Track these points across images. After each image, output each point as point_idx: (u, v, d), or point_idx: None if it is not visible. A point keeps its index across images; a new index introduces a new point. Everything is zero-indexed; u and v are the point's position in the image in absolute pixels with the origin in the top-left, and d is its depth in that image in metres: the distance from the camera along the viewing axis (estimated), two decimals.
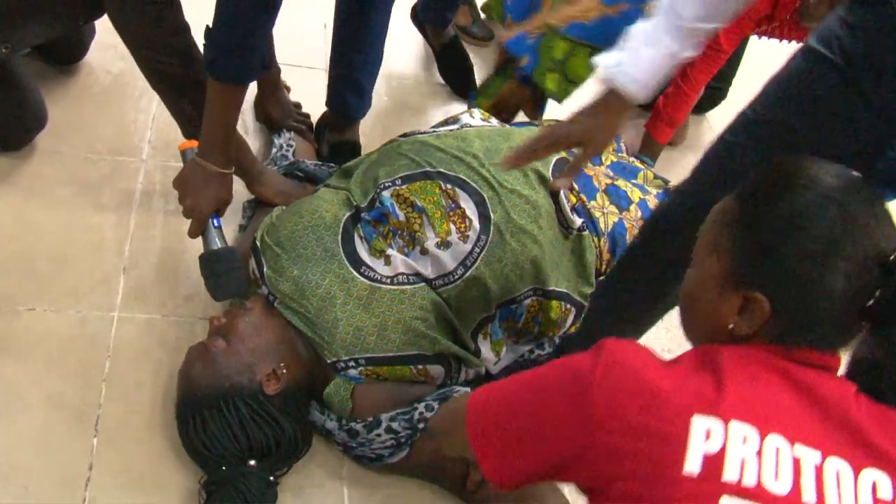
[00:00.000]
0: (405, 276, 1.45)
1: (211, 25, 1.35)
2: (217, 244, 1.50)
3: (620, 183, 1.77)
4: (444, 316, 1.46)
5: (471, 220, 1.45)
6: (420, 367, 1.44)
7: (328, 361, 1.41)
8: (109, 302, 1.57)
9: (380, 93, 2.12)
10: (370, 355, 1.40)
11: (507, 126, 1.71)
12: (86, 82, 1.98)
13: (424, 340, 1.43)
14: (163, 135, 1.91)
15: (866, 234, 0.84)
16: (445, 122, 1.75)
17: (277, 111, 1.93)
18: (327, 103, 1.93)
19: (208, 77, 1.39)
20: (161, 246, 1.70)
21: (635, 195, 1.76)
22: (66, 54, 1.99)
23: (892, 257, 0.84)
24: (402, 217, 1.47)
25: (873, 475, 0.80)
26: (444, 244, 1.45)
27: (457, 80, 2.28)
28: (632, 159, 1.97)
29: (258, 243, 1.51)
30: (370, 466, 1.44)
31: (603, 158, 1.82)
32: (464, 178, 1.49)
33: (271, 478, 1.34)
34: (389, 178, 1.51)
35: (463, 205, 1.46)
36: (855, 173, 0.90)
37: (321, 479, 1.44)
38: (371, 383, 1.42)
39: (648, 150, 2.13)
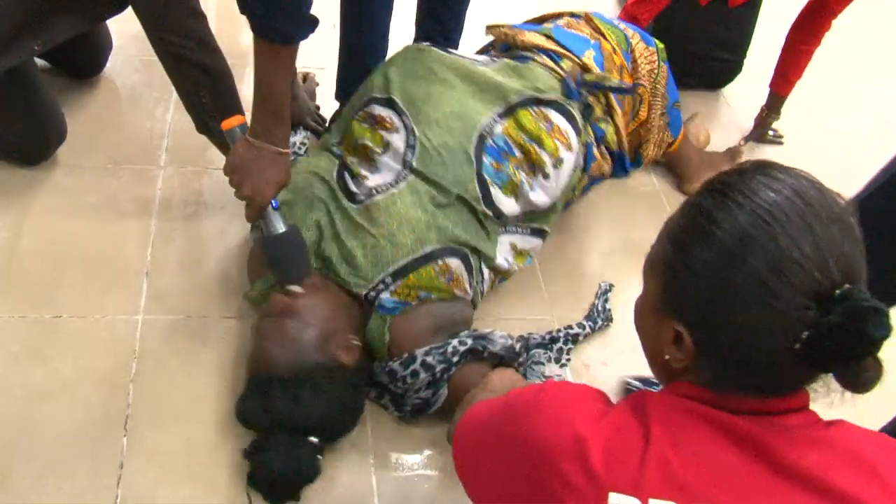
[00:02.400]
0: (385, 185, 1.52)
1: None
2: (280, 227, 1.43)
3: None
4: (439, 197, 1.51)
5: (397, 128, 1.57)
6: (441, 262, 1.47)
7: (363, 294, 1.46)
8: (134, 306, 1.61)
9: None
10: (392, 268, 1.45)
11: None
12: (103, 95, 2.03)
13: (432, 232, 1.48)
14: (179, 142, 1.95)
15: (800, 264, 0.72)
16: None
17: (296, 108, 1.96)
18: (337, 96, 1.95)
19: (258, 41, 1.30)
20: (182, 249, 1.73)
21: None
22: (84, 68, 2.04)
23: (837, 292, 0.71)
24: (362, 139, 1.59)
25: None
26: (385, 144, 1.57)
27: None
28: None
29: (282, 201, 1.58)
30: (424, 416, 1.48)
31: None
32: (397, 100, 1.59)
33: (319, 456, 1.38)
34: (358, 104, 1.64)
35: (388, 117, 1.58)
36: (813, 181, 0.78)
37: (349, 468, 1.46)
38: (405, 315, 1.46)
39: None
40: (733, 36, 2.26)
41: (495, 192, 1.55)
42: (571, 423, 0.77)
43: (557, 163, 1.58)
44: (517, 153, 1.56)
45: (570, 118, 1.61)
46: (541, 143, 1.57)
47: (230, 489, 1.39)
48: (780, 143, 2.34)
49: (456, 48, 2.04)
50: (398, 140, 1.56)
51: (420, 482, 1.46)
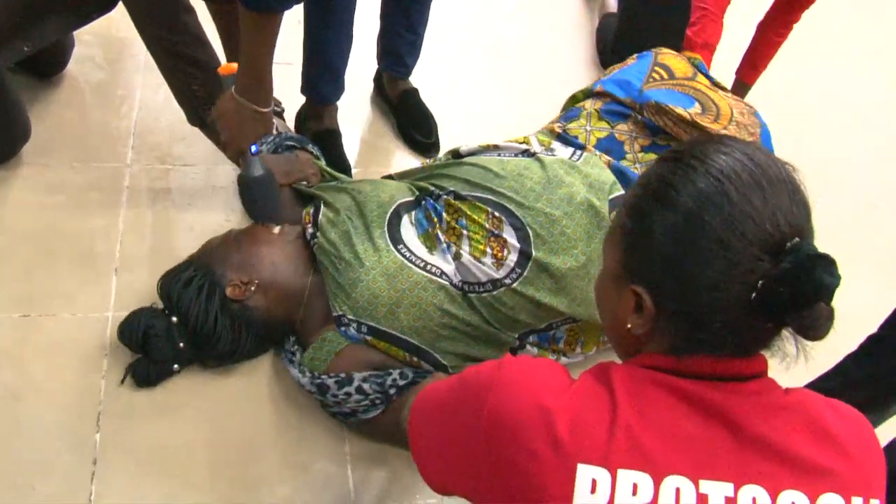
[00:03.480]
0: (438, 270, 1.47)
1: None
2: (257, 170, 1.55)
3: None
4: (466, 321, 1.47)
5: (509, 251, 1.45)
6: (416, 358, 1.46)
7: (335, 313, 1.45)
8: (104, 303, 1.60)
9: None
10: (375, 325, 1.44)
11: (574, 160, 1.59)
12: (67, 93, 2.01)
13: (431, 335, 1.45)
14: (146, 140, 1.94)
15: (752, 218, 0.75)
16: (515, 141, 1.70)
17: None
18: (302, 90, 1.95)
19: (244, 12, 1.36)
20: (151, 246, 1.72)
21: None
22: (47, 67, 2.01)
23: (788, 244, 0.75)
24: (445, 226, 1.50)
25: (791, 497, 0.75)
26: (478, 260, 1.46)
27: (418, 132, 2.12)
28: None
29: (323, 194, 1.61)
30: (345, 423, 1.48)
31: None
32: (513, 209, 1.47)
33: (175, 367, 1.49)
34: (446, 188, 1.54)
35: (505, 235, 1.46)
36: (761, 148, 0.82)
37: (326, 456, 1.47)
38: (361, 347, 1.45)
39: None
40: None
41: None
42: (536, 396, 0.79)
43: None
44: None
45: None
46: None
47: (205, 483, 1.39)
48: None
49: (421, 42, 2.05)
50: (492, 267, 1.46)
51: (396, 469, 1.47)
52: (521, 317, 1.48)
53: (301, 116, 2.00)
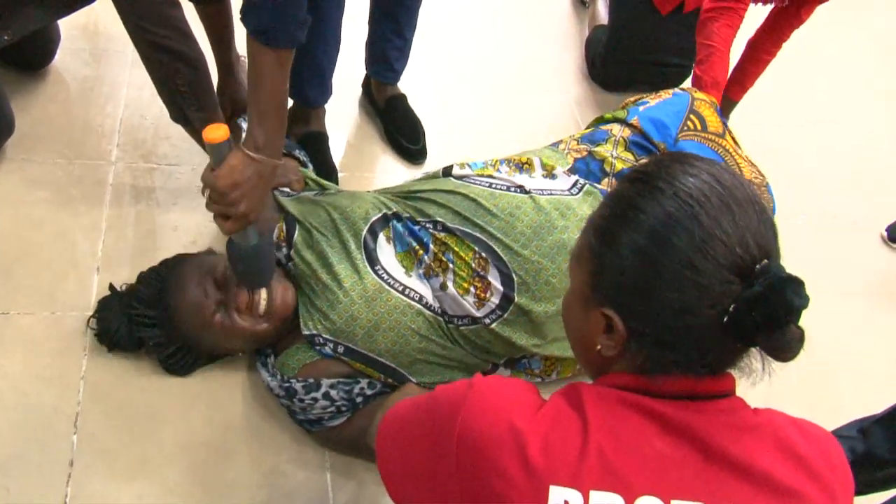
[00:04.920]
0: (417, 294, 1.45)
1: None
2: (253, 238, 1.36)
3: None
4: (443, 347, 1.46)
5: (492, 294, 1.43)
6: (390, 379, 1.46)
7: (306, 332, 1.44)
8: (84, 302, 1.59)
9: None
10: (352, 346, 1.42)
11: (568, 196, 1.54)
12: (52, 88, 1.99)
13: (407, 359, 1.44)
14: (131, 137, 1.92)
15: (722, 241, 0.76)
16: (509, 164, 1.62)
17: (241, 93, 1.94)
18: (289, 93, 1.93)
19: (263, 52, 1.26)
20: (133, 245, 1.71)
21: None
22: (33, 60, 1.99)
23: (757, 266, 0.76)
24: (431, 256, 1.48)
25: None
26: (461, 297, 1.44)
27: (405, 138, 2.11)
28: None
29: (296, 214, 1.54)
30: (310, 431, 1.47)
31: None
32: (500, 253, 1.43)
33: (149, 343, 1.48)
34: (432, 218, 1.49)
35: (490, 278, 1.43)
36: (726, 167, 0.83)
37: (304, 461, 1.46)
38: (333, 361, 1.44)
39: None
40: (686, 42, 2.32)
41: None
42: (507, 416, 0.78)
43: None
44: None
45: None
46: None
47: (182, 488, 1.38)
48: None
49: (409, 47, 2.05)
50: (473, 306, 1.44)
51: (375, 476, 1.47)
52: (495, 349, 1.49)
53: (287, 119, 1.99)
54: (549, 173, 1.59)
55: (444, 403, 0.84)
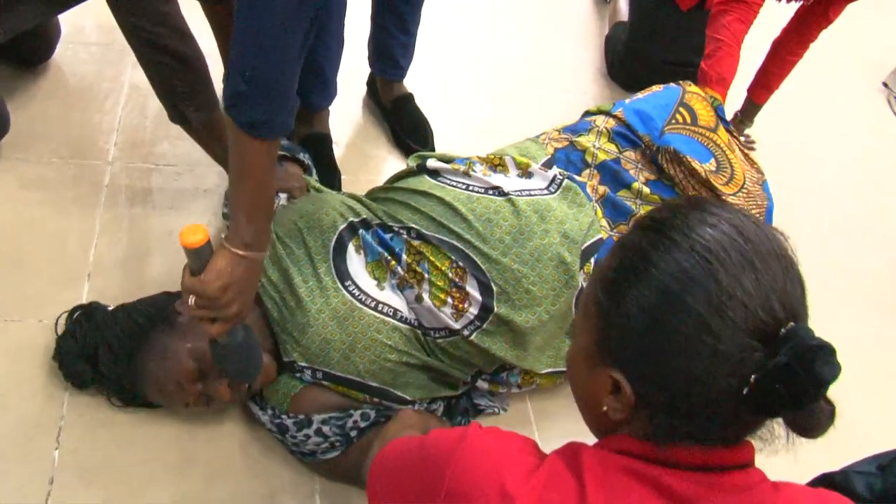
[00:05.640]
0: (390, 309, 1.38)
1: (244, 88, 1.07)
2: (238, 333, 1.21)
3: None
4: (422, 360, 1.40)
5: (470, 304, 1.36)
6: (376, 399, 1.39)
7: (286, 359, 1.37)
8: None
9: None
10: (329, 370, 1.36)
11: (547, 195, 1.47)
12: (50, 85, 1.94)
13: (388, 375, 1.37)
14: (129, 137, 1.87)
15: (743, 302, 0.68)
16: (488, 163, 1.55)
17: None
18: None
19: (252, 144, 1.12)
20: (127, 249, 1.66)
21: None
22: (31, 56, 1.95)
23: (781, 330, 0.68)
24: (405, 266, 1.40)
25: None
26: (438, 308, 1.37)
27: (413, 140, 2.04)
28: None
29: None
30: (303, 462, 1.40)
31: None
32: (478, 262, 1.37)
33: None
34: (406, 224, 1.42)
35: (468, 288, 1.36)
36: (748, 216, 0.74)
37: (293, 488, 1.40)
38: (318, 388, 1.38)
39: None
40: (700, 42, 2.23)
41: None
42: (498, 477, 0.72)
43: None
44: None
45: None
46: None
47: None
48: (753, 150, 2.31)
49: (414, 42, 1.98)
50: (451, 318, 1.37)
51: None
52: (474, 361, 1.42)
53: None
54: (525, 172, 1.52)
55: (433, 454, 0.78)
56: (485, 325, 1.37)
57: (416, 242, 1.40)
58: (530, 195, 1.45)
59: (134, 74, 1.99)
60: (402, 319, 1.38)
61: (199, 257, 1.11)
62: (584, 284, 1.43)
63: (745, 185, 1.62)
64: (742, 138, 2.30)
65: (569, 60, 2.50)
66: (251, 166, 1.14)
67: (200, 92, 1.55)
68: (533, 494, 0.70)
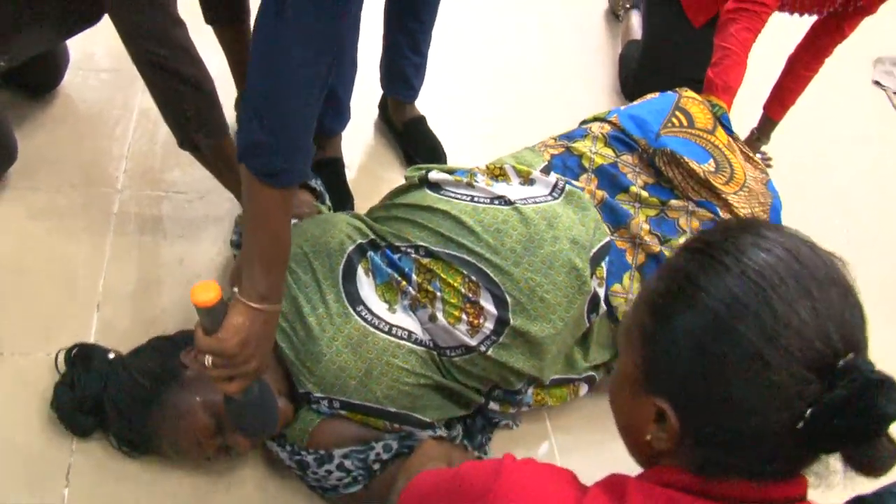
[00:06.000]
0: (405, 332, 1.34)
1: (262, 137, 1.04)
2: (255, 387, 1.16)
3: (666, 252, 1.51)
4: (437, 381, 1.36)
5: (485, 319, 1.33)
6: (396, 424, 1.35)
7: (300, 391, 1.33)
8: (82, 341, 1.50)
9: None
10: (347, 399, 1.31)
11: (551, 201, 1.45)
12: (60, 112, 1.92)
13: (407, 399, 1.34)
14: (139, 163, 1.85)
15: (799, 332, 0.64)
16: (490, 173, 1.53)
17: None
18: None
19: (270, 193, 1.08)
20: (136, 279, 1.63)
21: None
22: (40, 82, 1.93)
23: (840, 362, 0.64)
24: (416, 286, 1.36)
25: None
26: (453, 326, 1.34)
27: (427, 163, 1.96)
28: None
29: None
30: (324, 497, 1.35)
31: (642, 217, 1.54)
32: (491, 275, 1.33)
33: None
34: (413, 243, 1.39)
35: (482, 303, 1.33)
36: (805, 240, 0.71)
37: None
38: (338, 420, 1.34)
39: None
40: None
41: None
42: None
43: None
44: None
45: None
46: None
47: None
48: (770, 167, 2.27)
49: (426, 63, 1.96)
50: (467, 335, 1.34)
51: None
52: (491, 376, 1.39)
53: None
54: (527, 179, 1.50)
55: (468, 490, 0.75)
56: (501, 339, 1.33)
57: (425, 260, 1.37)
58: (536, 203, 1.43)
59: (143, 100, 1.97)
60: (417, 342, 1.34)
61: (212, 315, 1.06)
62: (597, 289, 1.42)
63: (747, 184, 1.60)
64: (759, 155, 2.26)
65: (582, 78, 2.47)
66: (268, 216, 1.10)
67: (210, 117, 1.52)
68: None
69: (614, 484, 0.73)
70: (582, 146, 1.57)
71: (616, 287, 1.47)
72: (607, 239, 1.46)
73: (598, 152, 1.57)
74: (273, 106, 1.01)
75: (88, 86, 2.00)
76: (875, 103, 2.70)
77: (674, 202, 1.53)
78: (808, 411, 0.63)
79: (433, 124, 2.05)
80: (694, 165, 1.52)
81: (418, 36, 1.88)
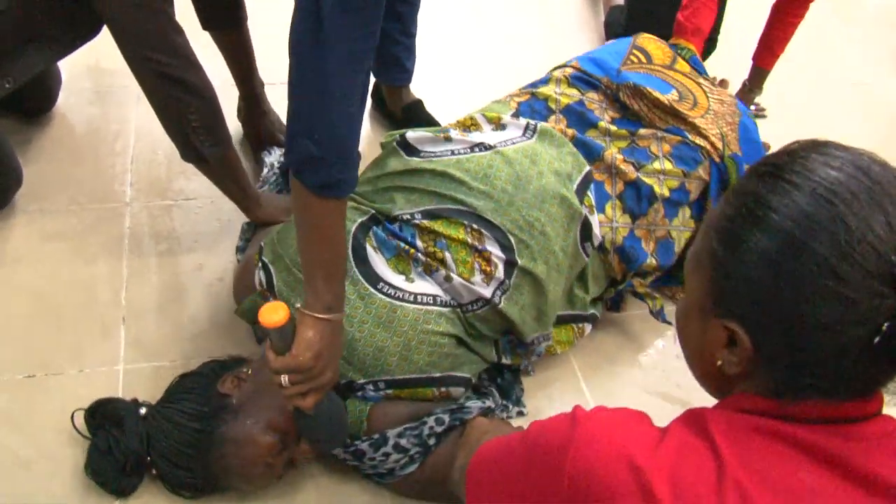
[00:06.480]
0: (429, 297, 1.35)
1: (316, 151, 1.04)
2: (325, 398, 1.17)
3: (642, 177, 1.55)
4: (468, 337, 1.40)
5: (496, 265, 1.36)
6: (444, 388, 1.36)
7: (342, 382, 1.33)
8: (113, 355, 1.50)
9: None
10: (391, 377, 1.32)
11: (531, 142, 1.48)
12: (58, 133, 1.91)
13: (448, 360, 1.35)
14: (144, 175, 1.84)
15: (874, 246, 0.64)
16: (461, 126, 1.55)
17: (267, 125, 1.87)
18: None
19: (325, 205, 1.09)
20: (158, 289, 1.63)
21: (662, 188, 1.56)
22: (35, 106, 1.92)
23: None
24: (423, 249, 1.37)
25: None
26: (468, 281, 1.36)
27: None
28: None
29: (264, 258, 1.39)
30: (381, 483, 1.35)
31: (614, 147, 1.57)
32: (490, 219, 1.36)
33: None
34: (409, 210, 1.40)
35: (489, 247, 1.36)
36: (874, 156, 0.70)
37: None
38: (388, 402, 1.34)
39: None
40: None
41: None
42: (625, 454, 0.68)
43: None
44: None
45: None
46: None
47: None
48: (764, 117, 2.29)
49: (415, 44, 1.96)
50: (483, 285, 1.36)
51: None
52: (508, 327, 1.44)
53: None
54: (498, 125, 1.54)
55: (543, 446, 0.75)
56: (511, 281, 1.37)
57: (425, 223, 1.38)
58: (514, 143, 1.48)
59: (140, 113, 1.96)
60: (442, 303, 1.37)
61: (283, 335, 1.08)
62: (589, 216, 1.46)
63: (712, 107, 1.67)
64: (752, 107, 2.28)
65: (571, 48, 2.47)
66: (325, 228, 1.11)
67: (214, 125, 1.51)
68: (664, 466, 0.67)
69: (693, 417, 0.73)
70: (547, 90, 1.64)
71: (600, 217, 1.51)
72: (587, 169, 1.50)
73: (563, 93, 1.63)
74: (322, 122, 1.02)
75: (83, 104, 1.99)
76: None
77: (642, 131, 1.59)
78: (885, 325, 0.63)
79: (427, 104, 2.06)
80: (658, 94, 1.58)
81: (406, 17, 1.89)
